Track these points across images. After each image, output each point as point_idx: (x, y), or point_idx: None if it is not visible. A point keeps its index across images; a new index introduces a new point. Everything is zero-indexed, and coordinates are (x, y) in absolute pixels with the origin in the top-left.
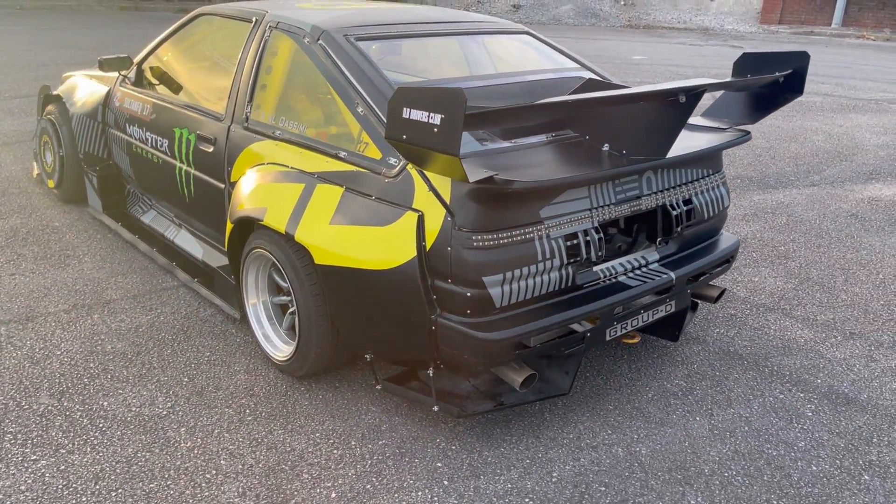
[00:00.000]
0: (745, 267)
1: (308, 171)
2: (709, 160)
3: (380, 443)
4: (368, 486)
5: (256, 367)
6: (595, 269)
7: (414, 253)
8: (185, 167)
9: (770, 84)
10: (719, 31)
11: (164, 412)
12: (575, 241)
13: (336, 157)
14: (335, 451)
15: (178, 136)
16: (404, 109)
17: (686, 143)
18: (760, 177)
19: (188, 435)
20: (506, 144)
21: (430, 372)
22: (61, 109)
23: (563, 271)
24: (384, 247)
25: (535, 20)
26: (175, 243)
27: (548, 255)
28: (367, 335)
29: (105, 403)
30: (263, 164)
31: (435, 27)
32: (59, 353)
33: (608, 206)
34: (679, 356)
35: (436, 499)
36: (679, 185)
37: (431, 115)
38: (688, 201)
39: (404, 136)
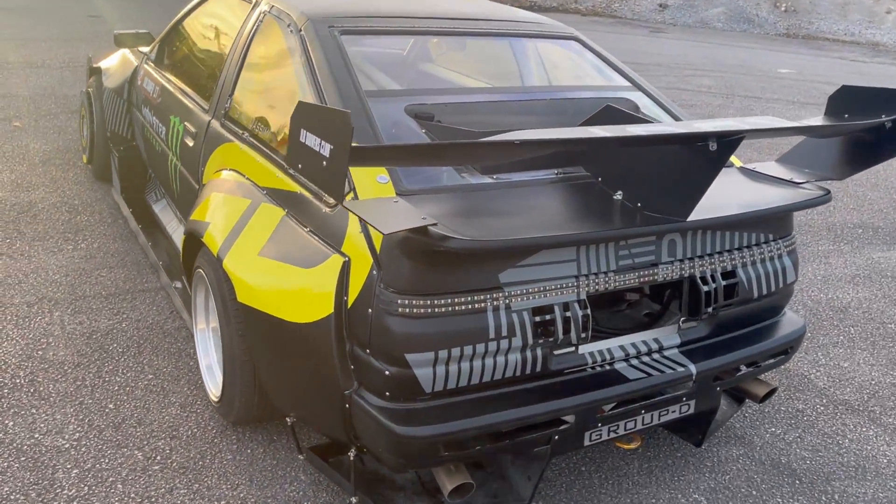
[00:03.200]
0: (836, 346)
1: (260, 184)
2: (768, 223)
3: None
4: None
5: (194, 402)
6: (581, 351)
7: (331, 309)
8: (175, 159)
9: (871, 130)
10: (892, 48)
11: (68, 445)
12: (548, 317)
13: (287, 172)
14: None
15: (171, 124)
16: (301, 131)
17: (736, 197)
18: (891, 228)
19: (77, 480)
20: (487, 180)
21: (352, 455)
22: (98, 83)
23: (529, 353)
24: (303, 294)
25: (679, 22)
26: (172, 239)
27: (504, 333)
28: (285, 395)
29: (10, 424)
30: (227, 169)
31: (455, 24)
32: None
33: (605, 274)
34: (710, 460)
35: None
36: (716, 254)
37: (322, 142)
38: (729, 274)
39: (300, 166)
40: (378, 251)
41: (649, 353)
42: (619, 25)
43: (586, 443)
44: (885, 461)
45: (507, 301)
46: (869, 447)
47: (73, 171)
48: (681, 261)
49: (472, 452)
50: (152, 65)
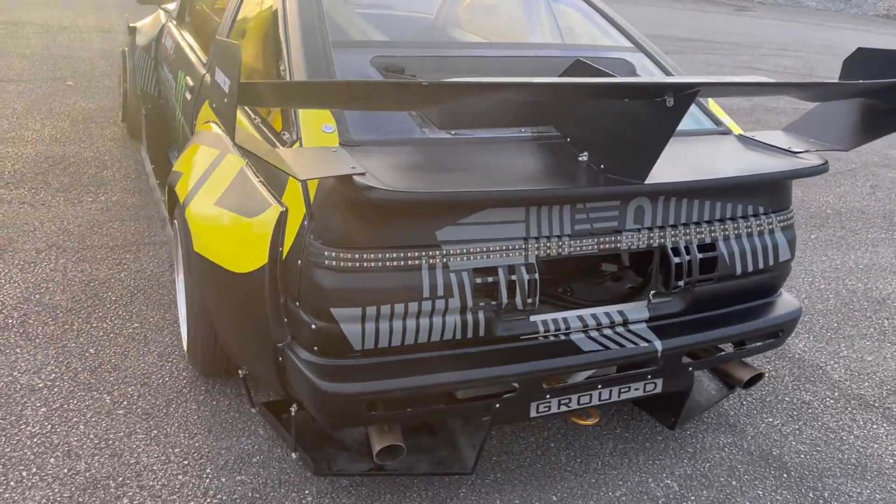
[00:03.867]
0: (863, 338)
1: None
2: (758, 194)
3: (237, 478)
4: None
5: (172, 352)
6: (533, 318)
7: (266, 259)
8: (179, 113)
9: (884, 96)
10: None
11: (42, 385)
12: (491, 279)
13: (253, 122)
14: (179, 478)
15: (179, 79)
16: (216, 70)
17: (720, 164)
18: None
19: (43, 418)
20: (445, 135)
21: (293, 410)
22: (132, 42)
23: (470, 317)
24: (243, 244)
25: (769, 0)
26: None
27: (441, 293)
28: (234, 347)
29: None
30: (211, 121)
31: None
32: None
33: (559, 238)
34: (693, 446)
35: None
36: (693, 224)
37: (226, 79)
38: (708, 247)
39: (214, 106)
40: (312, 201)
41: (612, 326)
42: (702, 3)
43: (533, 414)
44: (891, 461)
45: (445, 260)
46: (876, 445)
47: (111, 128)
48: (649, 229)
49: (402, 414)
50: (174, 23)
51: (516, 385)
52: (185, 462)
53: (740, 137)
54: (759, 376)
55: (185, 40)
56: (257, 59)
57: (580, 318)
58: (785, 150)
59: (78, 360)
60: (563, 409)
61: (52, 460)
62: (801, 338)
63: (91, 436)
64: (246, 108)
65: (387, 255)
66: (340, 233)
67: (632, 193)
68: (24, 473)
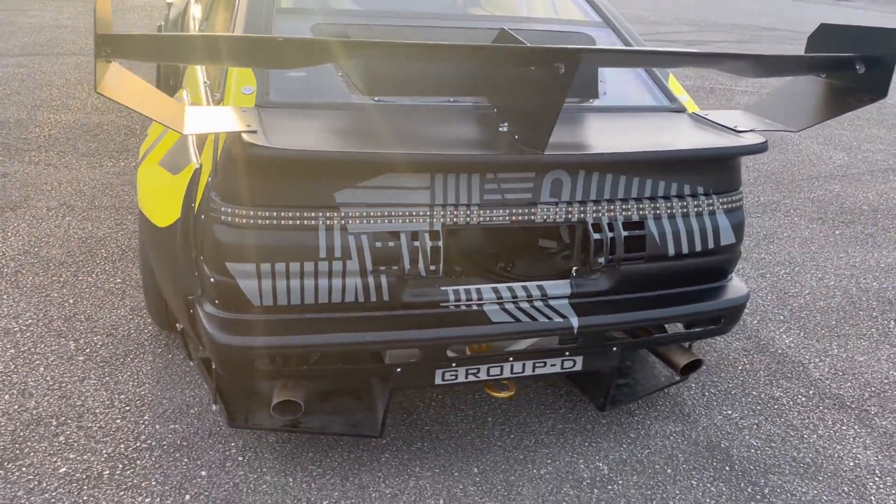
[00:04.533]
0: (860, 338)
1: (190, 98)
2: (696, 173)
3: (171, 426)
4: (106, 473)
5: (144, 307)
6: (444, 287)
7: (179, 214)
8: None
9: (843, 73)
10: None
11: (17, 329)
12: (392, 244)
13: (205, 84)
14: (117, 422)
15: None
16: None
17: (654, 140)
18: None
19: (9, 360)
20: (368, 101)
21: (214, 363)
22: (166, 15)
23: (372, 280)
24: (166, 199)
25: None
26: None
27: (338, 254)
28: (168, 300)
29: None
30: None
31: None
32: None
33: (467, 207)
34: (636, 431)
35: None
36: (619, 200)
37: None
38: (636, 224)
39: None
40: (217, 158)
41: (531, 300)
42: None
43: (438, 381)
44: (850, 464)
45: (343, 222)
46: (839, 447)
47: None
48: (568, 203)
49: (298, 371)
50: None
51: (418, 351)
52: (127, 408)
53: (692, 115)
54: (696, 363)
55: (194, 12)
56: (221, 24)
57: (495, 289)
58: (730, 128)
59: (56, 309)
60: (472, 378)
61: (6, 397)
62: (790, 333)
63: (48, 378)
64: (199, 69)
65: (282, 214)
66: (236, 190)
67: (537, 165)
68: None
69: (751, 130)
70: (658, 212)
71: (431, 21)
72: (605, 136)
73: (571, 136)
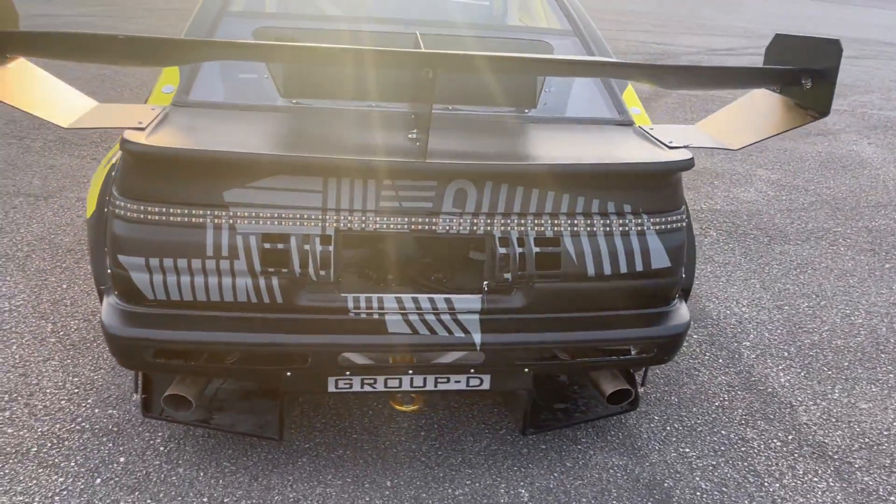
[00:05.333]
0: (871, 383)
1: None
2: (624, 190)
3: (108, 412)
4: (34, 450)
5: None
6: (344, 294)
7: (95, 206)
8: None
9: (792, 88)
10: None
11: (7, 308)
12: (282, 247)
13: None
14: (62, 403)
15: None
16: None
17: (580, 151)
18: None
19: None
20: (286, 103)
21: None
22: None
23: (262, 282)
24: (92, 192)
25: None
26: None
27: (225, 253)
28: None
29: None
30: None
31: None
32: (22, 231)
33: (362, 212)
34: (573, 460)
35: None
36: (531, 215)
37: None
38: (550, 241)
39: None
40: (120, 154)
41: (436, 313)
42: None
43: (332, 389)
44: None
45: (231, 221)
46: (802, 500)
47: None
48: (473, 215)
49: (184, 367)
50: None
51: (310, 357)
52: (76, 391)
53: (635, 129)
54: (623, 392)
55: None
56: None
57: (398, 299)
58: (664, 143)
59: (48, 293)
60: (367, 388)
61: None
62: (788, 371)
63: (16, 356)
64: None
65: (171, 210)
66: (128, 184)
67: (436, 173)
68: None
69: (684, 147)
70: (576, 229)
71: (380, 26)
72: (524, 147)
73: (486, 146)
